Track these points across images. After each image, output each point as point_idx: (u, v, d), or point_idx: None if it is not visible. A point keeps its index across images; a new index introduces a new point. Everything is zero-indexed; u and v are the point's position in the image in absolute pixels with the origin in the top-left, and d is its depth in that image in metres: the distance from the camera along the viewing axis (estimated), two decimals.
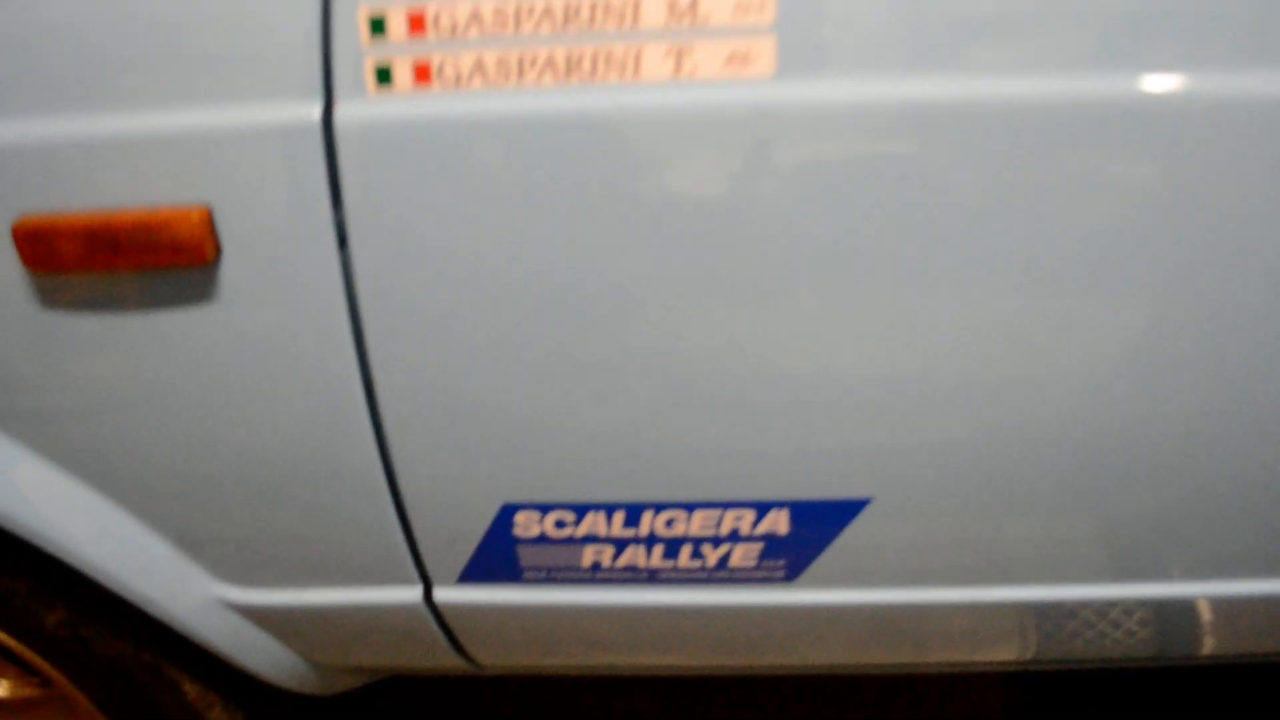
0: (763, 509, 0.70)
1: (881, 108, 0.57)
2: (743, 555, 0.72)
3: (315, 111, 0.59)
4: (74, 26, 0.60)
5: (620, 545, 0.72)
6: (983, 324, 0.62)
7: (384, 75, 0.58)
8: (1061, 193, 0.58)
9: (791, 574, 0.73)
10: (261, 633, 0.82)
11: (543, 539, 0.72)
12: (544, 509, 0.71)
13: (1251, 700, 1.21)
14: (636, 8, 0.56)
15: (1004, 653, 0.83)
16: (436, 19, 0.58)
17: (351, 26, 0.58)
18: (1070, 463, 0.67)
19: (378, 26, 0.58)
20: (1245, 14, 0.55)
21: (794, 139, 0.58)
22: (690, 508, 0.70)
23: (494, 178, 0.59)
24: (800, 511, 0.69)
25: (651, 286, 0.62)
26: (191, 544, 0.76)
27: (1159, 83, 0.56)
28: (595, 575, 0.74)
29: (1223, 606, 0.76)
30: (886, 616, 0.77)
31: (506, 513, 0.71)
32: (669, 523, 0.71)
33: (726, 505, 0.70)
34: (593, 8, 0.57)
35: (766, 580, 0.74)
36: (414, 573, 0.75)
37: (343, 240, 0.62)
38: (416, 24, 0.58)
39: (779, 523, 0.70)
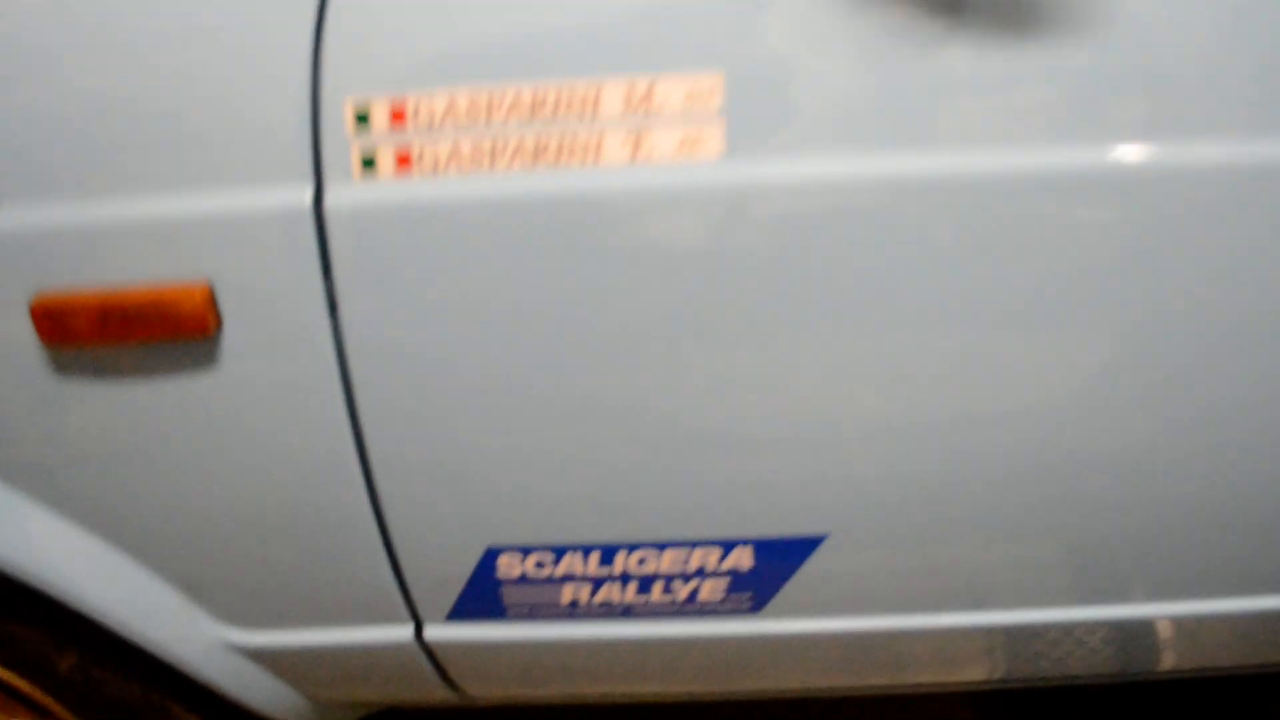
0: (728, 546, 0.75)
1: (818, 182, 0.63)
2: (710, 590, 0.77)
3: (307, 195, 0.65)
4: (86, 117, 0.65)
5: (596, 583, 0.77)
6: (934, 364, 0.68)
7: (369, 162, 0.64)
8: (1001, 248, 0.64)
9: (757, 605, 0.78)
10: (264, 672, 0.87)
11: (524, 579, 0.77)
12: (525, 551, 0.76)
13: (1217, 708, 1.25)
14: (597, 98, 0.62)
15: (972, 673, 0.89)
16: (416, 110, 0.63)
17: (338, 118, 0.64)
18: (1021, 493, 0.73)
19: (362, 118, 0.64)
20: (1196, 84, 0.61)
21: (742, 213, 0.64)
22: (661, 547, 0.75)
23: (471, 254, 0.65)
24: (762, 548, 0.75)
25: (617, 346, 0.67)
26: (196, 590, 0.81)
27: (1069, 155, 0.62)
28: (574, 611, 0.79)
29: (1183, 625, 0.81)
30: (856, 642, 0.82)
31: (490, 555, 0.76)
32: (641, 561, 0.76)
33: (694, 544, 0.75)
34: (557, 98, 0.63)
35: (734, 611, 0.79)
36: (405, 612, 0.80)
37: (333, 308, 0.67)
38: (398, 116, 0.63)
39: (743, 559, 0.76)
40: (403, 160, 0.64)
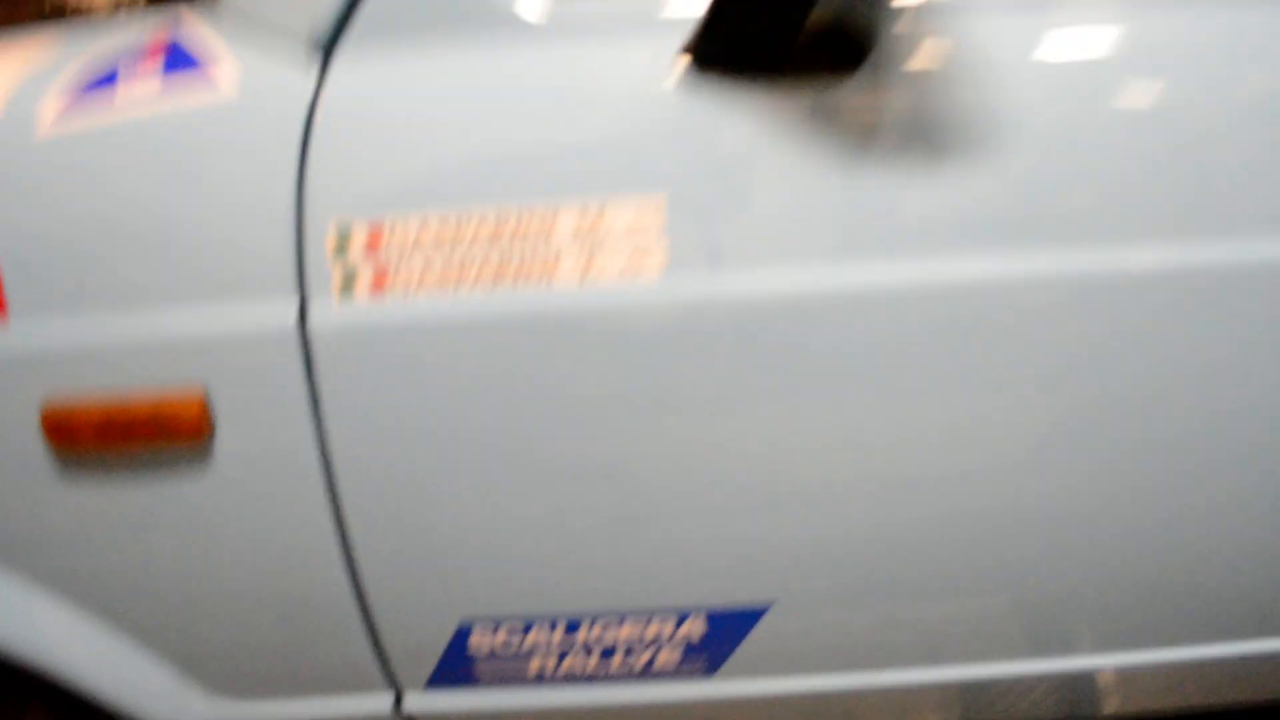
0: (682, 616, 0.82)
1: (748, 295, 0.71)
2: (666, 656, 0.84)
3: (292, 310, 0.72)
4: (91, 238, 0.72)
5: (562, 653, 0.84)
6: (874, 434, 0.75)
7: (349, 281, 0.71)
8: (931, 348, 0.72)
9: (711, 669, 0.85)
10: None
11: (494, 652, 0.84)
12: (495, 624, 0.82)
13: None
14: (553, 223, 0.70)
15: None
16: (392, 234, 0.71)
17: (321, 240, 0.71)
18: (967, 553, 0.80)
19: (343, 241, 0.71)
20: (1132, 192, 0.70)
21: (680, 323, 0.71)
22: (621, 617, 0.82)
23: (440, 364, 0.72)
24: (712, 617, 0.82)
25: (576, 443, 0.75)
26: (188, 664, 0.87)
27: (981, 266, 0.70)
28: (542, 679, 0.85)
29: (1124, 673, 0.87)
30: (810, 701, 0.88)
31: (464, 629, 0.82)
32: (602, 632, 0.82)
33: (651, 614, 0.82)
34: (517, 224, 0.70)
35: (690, 675, 0.85)
36: (385, 683, 0.86)
37: (317, 413, 0.74)
38: (375, 239, 0.71)
39: (695, 627, 0.82)
40: (379, 278, 0.71)
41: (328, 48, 0.72)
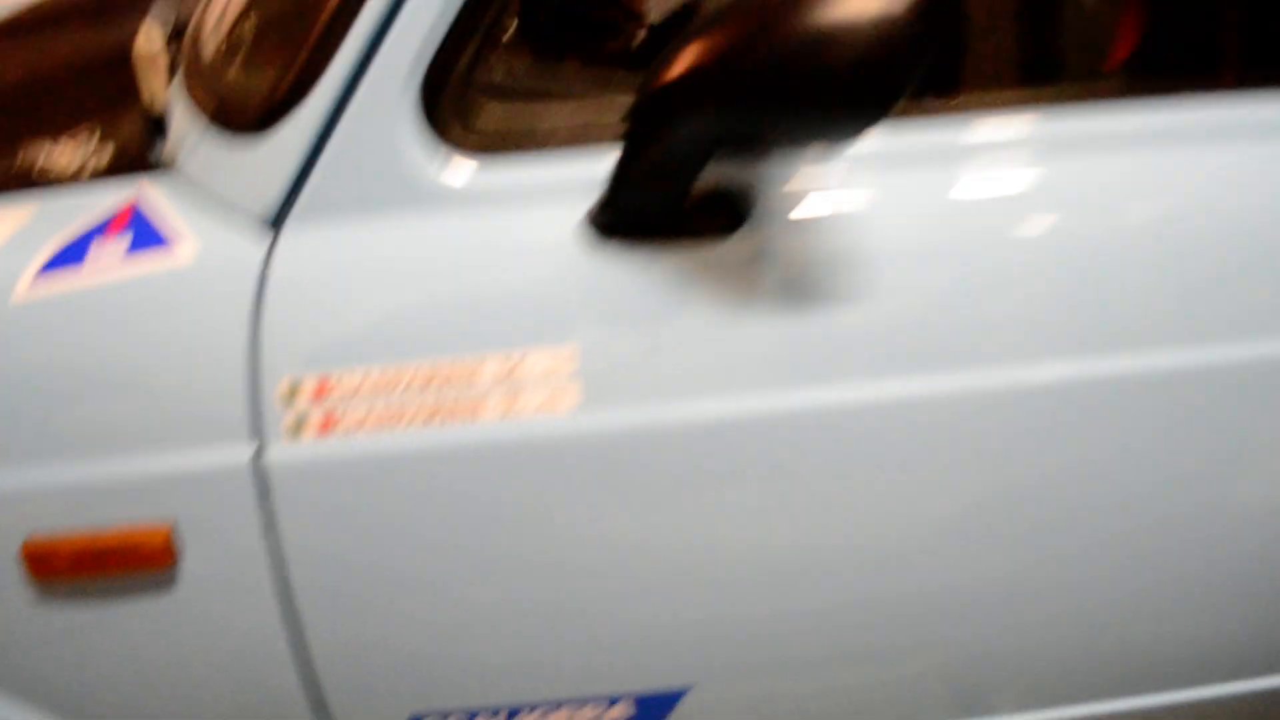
0: (612, 700, 0.92)
1: (650, 425, 0.81)
2: None
3: (248, 452, 0.81)
4: (66, 390, 0.81)
5: None
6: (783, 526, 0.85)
7: (299, 424, 0.81)
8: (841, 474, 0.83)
9: None
10: None
11: None
12: (443, 716, 0.91)
13: None
14: (478, 369, 0.80)
15: None
16: (338, 383, 0.80)
17: (273, 392, 0.80)
18: (886, 624, 0.90)
19: (294, 390, 0.80)
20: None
21: (591, 455, 0.82)
22: (558, 704, 0.92)
23: (383, 489, 0.82)
24: (640, 701, 0.92)
25: (508, 552, 0.84)
26: None
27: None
28: None
29: None
30: None
31: None
32: (541, 718, 0.92)
33: (584, 701, 0.91)
34: (448, 372, 0.80)
35: None
36: None
37: (272, 533, 0.83)
38: (322, 388, 0.80)
39: (624, 710, 0.92)
40: (327, 422, 0.81)
41: (276, 220, 0.81)
